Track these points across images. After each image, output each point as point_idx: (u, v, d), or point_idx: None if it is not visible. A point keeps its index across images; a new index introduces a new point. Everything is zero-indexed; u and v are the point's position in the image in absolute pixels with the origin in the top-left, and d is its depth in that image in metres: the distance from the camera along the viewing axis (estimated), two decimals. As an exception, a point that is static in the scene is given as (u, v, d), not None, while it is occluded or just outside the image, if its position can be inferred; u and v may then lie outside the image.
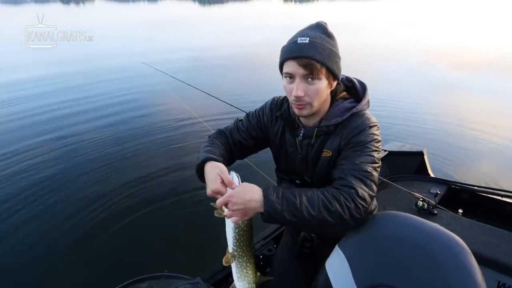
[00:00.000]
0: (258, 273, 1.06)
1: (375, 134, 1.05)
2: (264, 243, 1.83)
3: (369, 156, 1.00)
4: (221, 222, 1.05)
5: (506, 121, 5.65)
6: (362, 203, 0.93)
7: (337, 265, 1.09)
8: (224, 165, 1.07)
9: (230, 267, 1.07)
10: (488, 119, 5.73)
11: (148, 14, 42.98)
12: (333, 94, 1.12)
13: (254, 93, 6.53)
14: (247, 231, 1.01)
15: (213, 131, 1.32)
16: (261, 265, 1.76)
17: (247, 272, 1.04)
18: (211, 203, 1.02)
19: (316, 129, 1.11)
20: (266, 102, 1.30)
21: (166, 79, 3.95)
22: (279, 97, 1.29)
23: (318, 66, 0.99)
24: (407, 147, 2.76)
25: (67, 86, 7.96)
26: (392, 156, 2.68)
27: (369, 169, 0.98)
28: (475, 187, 2.32)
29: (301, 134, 1.15)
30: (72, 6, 67.66)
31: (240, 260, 1.03)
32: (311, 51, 0.98)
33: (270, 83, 6.88)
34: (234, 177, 1.02)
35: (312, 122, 1.13)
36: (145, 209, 3.36)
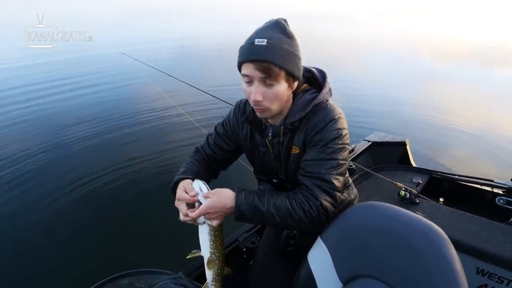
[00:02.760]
0: (226, 268, 1.11)
1: (339, 128, 1.02)
2: (248, 236, 1.82)
3: (333, 160, 1.01)
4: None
5: (486, 111, 5.81)
6: (324, 213, 1.01)
7: (319, 257, 1.08)
8: (204, 179, 1.09)
9: None
10: (469, 109, 5.88)
11: (134, 2, 41.82)
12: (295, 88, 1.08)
13: (237, 84, 6.43)
14: (220, 230, 1.05)
15: (194, 121, 1.31)
16: (244, 258, 1.75)
17: (221, 273, 1.07)
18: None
19: (282, 127, 1.09)
20: (230, 109, 1.28)
21: (148, 70, 3.86)
22: (241, 100, 1.26)
23: (277, 70, 0.94)
24: (390, 138, 2.80)
25: (42, 76, 7.74)
26: (375, 147, 2.71)
27: (333, 178, 1.01)
28: (456, 176, 2.37)
29: (270, 134, 1.13)
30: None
31: (217, 261, 1.05)
32: (269, 55, 0.92)
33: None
34: (201, 185, 1.01)
35: (278, 120, 1.11)
36: (126, 205, 3.31)
